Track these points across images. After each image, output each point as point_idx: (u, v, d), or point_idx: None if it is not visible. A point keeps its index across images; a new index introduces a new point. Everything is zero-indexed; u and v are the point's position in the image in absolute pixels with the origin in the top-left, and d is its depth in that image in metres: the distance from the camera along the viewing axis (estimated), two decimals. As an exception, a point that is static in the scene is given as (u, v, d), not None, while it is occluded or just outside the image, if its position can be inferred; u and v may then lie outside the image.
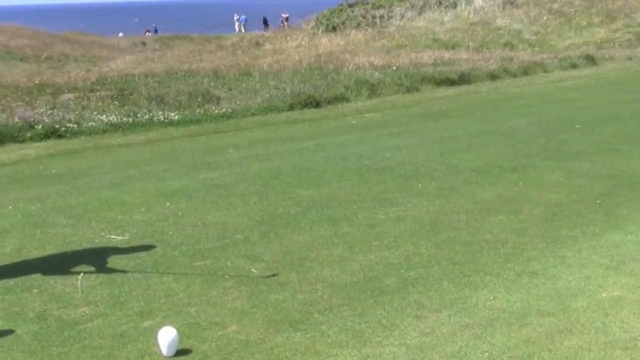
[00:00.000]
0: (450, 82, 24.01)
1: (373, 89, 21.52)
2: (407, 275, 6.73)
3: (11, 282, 6.95)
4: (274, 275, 6.86)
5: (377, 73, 23.43)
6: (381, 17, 41.04)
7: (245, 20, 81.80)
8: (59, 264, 7.40)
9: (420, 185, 10.22)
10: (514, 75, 26.18)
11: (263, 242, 7.91)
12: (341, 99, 20.19)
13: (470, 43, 33.68)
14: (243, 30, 76.60)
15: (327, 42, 34.66)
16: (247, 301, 6.28)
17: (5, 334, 5.79)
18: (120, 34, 68.64)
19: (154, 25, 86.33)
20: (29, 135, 15.60)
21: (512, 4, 41.71)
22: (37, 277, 7.05)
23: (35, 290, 6.71)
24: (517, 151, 12.50)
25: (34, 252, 7.83)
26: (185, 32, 72.00)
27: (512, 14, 40.14)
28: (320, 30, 39.88)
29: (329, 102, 19.70)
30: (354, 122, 16.95)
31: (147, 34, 77.95)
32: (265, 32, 55.02)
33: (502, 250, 7.46)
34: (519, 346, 5.33)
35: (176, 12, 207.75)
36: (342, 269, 6.96)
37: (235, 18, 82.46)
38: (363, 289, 6.43)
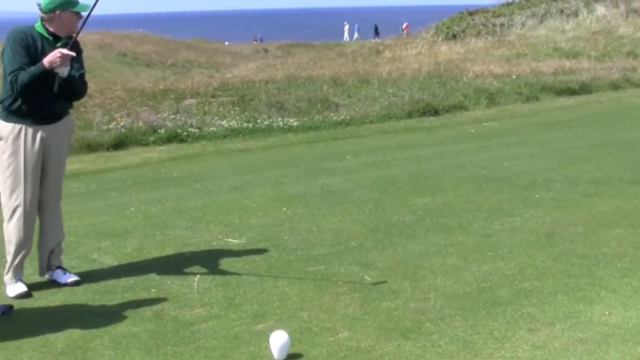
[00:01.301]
0: (570, 92, 23.59)
1: (492, 98, 21.32)
2: (520, 287, 6.64)
3: (131, 281, 7.14)
4: (385, 282, 6.87)
5: (496, 82, 23.19)
6: (502, 25, 40.52)
7: (358, 28, 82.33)
8: (176, 265, 7.57)
9: (537, 195, 10.07)
10: (637, 86, 25.54)
11: (377, 249, 7.92)
12: (460, 107, 20.07)
13: (592, 52, 32.94)
14: (355, 38, 77.14)
15: (446, 50, 34.46)
16: (359, 308, 6.30)
17: (123, 332, 5.95)
18: (226, 43, 69.45)
19: (259, 35, 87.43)
20: (152, 139, 16.00)
21: (635, 12, 40.59)
22: (156, 277, 7.23)
23: (153, 290, 6.88)
24: (639, 163, 12.17)
25: (153, 253, 8.03)
26: (306, 40, 72.55)
27: (635, 23, 39.07)
28: (440, 38, 39.65)
29: (448, 111, 19.61)
30: (472, 130, 16.83)
31: (253, 42, 78.98)
32: (374, 40, 55.02)
33: (619, 264, 7.27)
34: (634, 363, 5.22)
35: (288, 20, 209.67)
36: (455, 278, 6.91)
37: (346, 27, 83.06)
38: (476, 299, 6.37)
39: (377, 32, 77.85)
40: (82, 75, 6.86)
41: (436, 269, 7.21)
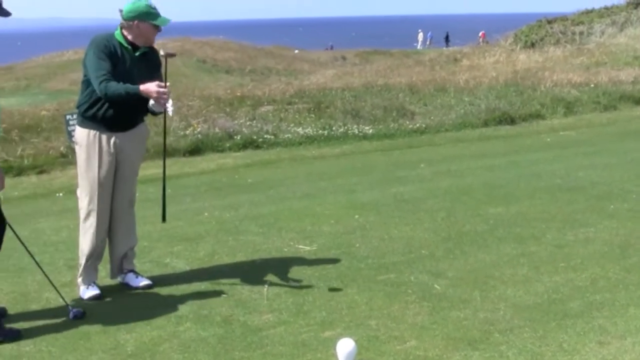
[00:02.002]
0: (650, 101, 23.15)
1: (569, 107, 21.02)
2: (592, 299, 6.53)
3: (202, 286, 7.22)
4: (455, 292, 6.83)
5: (574, 90, 22.87)
6: (581, 33, 39.97)
7: (431, 36, 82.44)
8: (247, 271, 7.62)
9: (612, 206, 9.89)
10: None
11: (448, 258, 7.87)
12: (536, 116, 19.85)
13: (673, 60, 32.26)
14: (427, 46, 77.37)
15: (525, 59, 34.11)
16: (427, 317, 6.27)
17: (192, 336, 6.01)
18: (296, 51, 69.66)
19: (330, 43, 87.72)
20: (228, 145, 16.17)
21: None
22: (226, 282, 7.29)
23: (223, 295, 6.94)
24: None
25: (225, 258, 8.10)
26: (384, 48, 72.57)
27: None
28: (518, 47, 39.28)
29: (524, 119, 19.42)
30: (548, 140, 16.62)
31: (325, 50, 79.29)
32: (444, 48, 54.70)
33: (696, 278, 7.13)
34: None
35: (361, 27, 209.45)
36: (526, 289, 6.83)
37: (420, 34, 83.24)
38: (546, 310, 6.29)
39: (447, 40, 77.92)
40: None
41: (507, 279, 7.14)
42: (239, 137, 16.55)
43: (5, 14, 6.19)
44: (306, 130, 17.42)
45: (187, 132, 16.67)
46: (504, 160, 13.73)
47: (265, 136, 16.85)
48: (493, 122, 18.95)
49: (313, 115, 19.00)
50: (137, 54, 6.73)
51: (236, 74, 48.68)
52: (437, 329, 5.99)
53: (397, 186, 11.66)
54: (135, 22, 6.64)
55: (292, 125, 17.91)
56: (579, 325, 5.95)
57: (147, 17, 6.64)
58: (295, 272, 7.55)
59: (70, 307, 6.50)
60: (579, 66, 30.05)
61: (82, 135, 6.80)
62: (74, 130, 7.15)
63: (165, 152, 7.58)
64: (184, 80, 34.30)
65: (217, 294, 6.99)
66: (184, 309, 6.64)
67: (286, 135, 17.03)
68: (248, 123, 17.80)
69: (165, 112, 6.66)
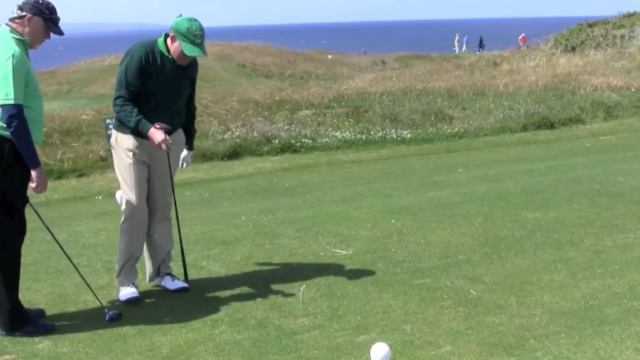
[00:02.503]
0: (692, 105, 22.86)
1: (610, 111, 20.81)
2: (630, 306, 6.46)
3: (237, 289, 7.25)
4: (491, 297, 6.79)
5: (614, 95, 22.67)
6: (622, 37, 39.59)
7: (467, 40, 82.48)
8: (283, 275, 7.64)
9: (652, 212, 9.80)
10: None
11: (484, 263, 7.83)
12: (576, 120, 19.69)
13: None
14: (463, 50, 77.49)
15: (565, 63, 33.88)
16: (463, 322, 6.24)
17: (227, 339, 6.04)
18: (330, 56, 69.64)
19: (363, 49, 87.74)
20: (266, 149, 16.24)
21: None
22: (262, 285, 7.31)
23: (259, 299, 6.96)
24: None
25: (261, 262, 8.13)
26: (424, 52, 72.49)
27: None
28: (558, 51, 39.01)
29: (564, 124, 19.26)
30: (587, 144, 16.49)
31: (358, 54, 79.34)
32: (479, 52, 54.42)
33: None
34: None
35: (397, 31, 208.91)
36: (562, 295, 6.78)
37: (457, 38, 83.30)
38: (582, 317, 6.23)
39: (481, 45, 77.82)
40: (191, 97, 7.27)
41: (544, 284, 7.08)
42: (277, 141, 16.61)
43: (60, 33, 6.32)
44: (344, 135, 17.44)
45: (226, 136, 16.76)
46: (542, 165, 13.63)
47: (303, 140, 16.88)
48: (532, 126, 18.83)
49: (351, 120, 19.03)
50: (177, 63, 6.79)
51: (275, 78, 48.85)
52: (472, 335, 5.96)
53: (435, 190, 11.63)
54: (172, 35, 6.70)
55: (330, 129, 17.94)
56: (615, 332, 5.89)
57: (183, 38, 6.64)
58: (330, 276, 7.56)
59: (106, 310, 6.57)
60: (619, 70, 29.79)
61: (119, 139, 6.89)
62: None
63: (177, 210, 7.50)
64: (223, 85, 34.47)
65: (253, 297, 7.02)
66: (219, 311, 6.67)
67: (324, 140, 17.06)
68: (286, 127, 17.86)
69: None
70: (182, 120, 7.18)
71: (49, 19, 6.17)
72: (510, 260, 7.89)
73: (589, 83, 24.41)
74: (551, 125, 19.04)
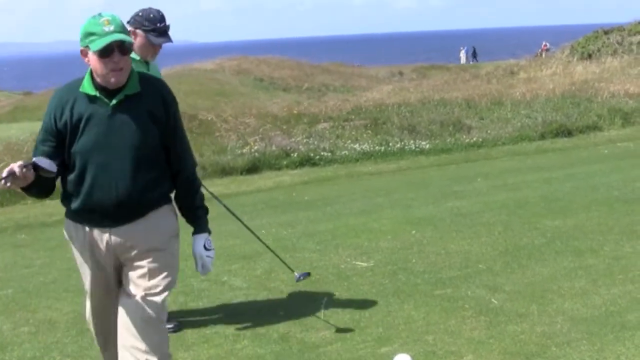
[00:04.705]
0: None
1: (627, 118, 20.69)
2: (651, 312, 6.47)
3: (259, 303, 7.29)
4: (512, 306, 6.79)
5: (632, 101, 22.57)
6: (638, 43, 39.43)
7: (467, 52, 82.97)
8: (304, 288, 7.65)
9: (672, 218, 9.76)
10: None
11: (505, 272, 7.83)
12: (593, 128, 19.61)
13: None
14: (466, 61, 77.92)
15: (581, 70, 33.72)
16: (484, 331, 6.25)
17: (249, 353, 6.07)
18: (356, 64, 69.65)
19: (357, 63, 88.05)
20: (284, 163, 16.25)
21: None
22: (283, 299, 7.35)
23: (280, 313, 6.99)
24: None
25: (282, 276, 8.13)
26: (442, 62, 72.53)
27: None
28: (575, 58, 38.89)
29: (581, 131, 19.19)
30: (605, 151, 16.42)
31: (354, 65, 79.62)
32: (471, 62, 54.39)
33: None
34: None
35: (406, 43, 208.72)
36: (583, 302, 6.77)
37: (461, 52, 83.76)
38: (604, 323, 6.22)
39: (475, 56, 78.60)
40: (178, 153, 4.78)
41: (564, 292, 7.08)
42: (295, 155, 16.62)
43: (169, 40, 6.41)
44: (363, 147, 17.44)
45: (244, 150, 16.79)
46: (560, 173, 13.60)
47: (322, 153, 16.90)
48: (550, 134, 18.78)
49: (370, 132, 19.01)
50: (114, 101, 4.48)
51: (293, 92, 48.82)
52: (494, 344, 5.96)
53: (454, 200, 11.63)
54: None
55: (348, 141, 17.95)
56: (637, 338, 5.88)
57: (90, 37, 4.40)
58: (351, 288, 7.58)
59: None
60: (636, 76, 29.62)
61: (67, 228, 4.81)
62: None
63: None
64: (241, 99, 34.52)
65: (274, 311, 7.04)
66: (241, 326, 6.70)
67: (343, 152, 17.07)
68: (305, 140, 17.88)
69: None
70: (155, 192, 4.65)
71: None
72: (531, 269, 7.89)
73: (606, 90, 24.30)
74: (569, 133, 18.98)
